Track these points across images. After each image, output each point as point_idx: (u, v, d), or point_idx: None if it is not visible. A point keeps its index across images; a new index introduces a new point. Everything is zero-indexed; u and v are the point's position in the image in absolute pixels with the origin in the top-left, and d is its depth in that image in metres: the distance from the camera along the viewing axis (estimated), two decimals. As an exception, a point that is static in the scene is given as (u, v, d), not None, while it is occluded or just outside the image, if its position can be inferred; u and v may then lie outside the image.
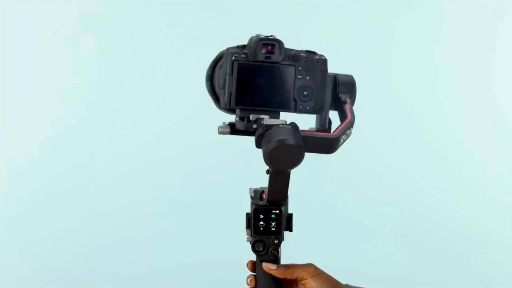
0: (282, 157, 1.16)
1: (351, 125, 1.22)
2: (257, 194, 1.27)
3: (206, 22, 2.81)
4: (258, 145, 1.19)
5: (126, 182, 2.80)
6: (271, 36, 1.24)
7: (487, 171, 2.81)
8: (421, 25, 2.81)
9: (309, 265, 1.30)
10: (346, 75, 1.29)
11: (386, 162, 2.82)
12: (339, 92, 1.27)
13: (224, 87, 1.23)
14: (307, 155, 1.21)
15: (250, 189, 1.29)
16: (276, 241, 1.25)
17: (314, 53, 1.25)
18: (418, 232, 2.78)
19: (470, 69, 2.82)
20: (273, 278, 1.29)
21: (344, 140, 1.22)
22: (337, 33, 2.79)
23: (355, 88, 1.28)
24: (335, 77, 1.27)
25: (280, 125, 1.19)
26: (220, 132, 1.24)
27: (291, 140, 1.15)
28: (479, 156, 2.82)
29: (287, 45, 1.25)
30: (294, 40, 1.31)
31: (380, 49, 2.80)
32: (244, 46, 1.23)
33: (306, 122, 1.27)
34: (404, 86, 2.81)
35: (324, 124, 1.28)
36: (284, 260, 1.30)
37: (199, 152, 2.79)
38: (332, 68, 1.28)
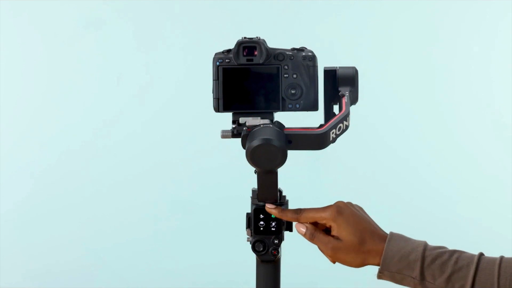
0: (264, 156, 1.16)
1: (343, 118, 1.19)
2: (256, 194, 1.27)
3: (209, 21, 2.81)
4: (243, 146, 1.19)
5: (127, 183, 2.80)
6: (255, 38, 1.22)
7: (486, 171, 2.81)
8: (420, 25, 2.81)
9: (329, 206, 1.25)
10: (347, 68, 1.26)
11: (385, 162, 2.82)
12: (339, 86, 1.25)
13: (212, 92, 1.23)
14: (306, 154, 1.20)
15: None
16: (276, 241, 1.25)
17: (302, 50, 1.24)
18: (418, 232, 2.77)
19: (469, 69, 2.82)
20: (273, 277, 1.29)
21: (337, 135, 1.20)
22: (336, 33, 2.79)
23: (356, 79, 1.25)
24: (335, 71, 1.25)
25: (262, 125, 1.20)
26: (223, 137, 1.24)
27: (271, 140, 1.15)
28: (478, 157, 2.82)
29: (282, 44, 1.24)
30: (292, 40, 1.30)
31: (379, 49, 2.80)
32: (229, 51, 1.23)
33: (315, 120, 1.26)
34: (403, 86, 2.81)
35: (328, 120, 1.26)
36: (284, 260, 1.30)
37: (200, 153, 2.79)
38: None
